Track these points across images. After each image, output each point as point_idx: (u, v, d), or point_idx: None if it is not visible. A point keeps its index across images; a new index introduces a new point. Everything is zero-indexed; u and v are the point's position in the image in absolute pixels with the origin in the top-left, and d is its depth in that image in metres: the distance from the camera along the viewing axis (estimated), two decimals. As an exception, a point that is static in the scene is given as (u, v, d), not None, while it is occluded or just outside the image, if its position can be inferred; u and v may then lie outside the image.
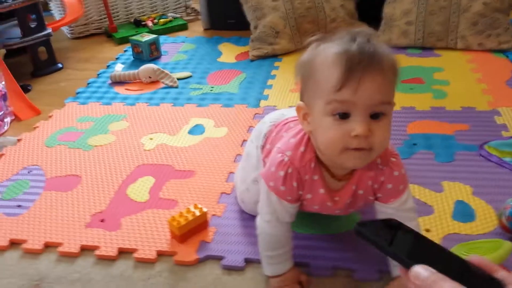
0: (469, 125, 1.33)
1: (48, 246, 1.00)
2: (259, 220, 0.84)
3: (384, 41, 1.87)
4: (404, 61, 1.73)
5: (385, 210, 0.81)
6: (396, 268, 0.84)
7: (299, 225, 0.99)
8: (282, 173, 0.77)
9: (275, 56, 1.87)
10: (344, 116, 0.67)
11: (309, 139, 0.77)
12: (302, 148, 0.77)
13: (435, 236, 0.94)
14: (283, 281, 0.85)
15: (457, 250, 0.85)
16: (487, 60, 1.74)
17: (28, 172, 1.24)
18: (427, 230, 0.96)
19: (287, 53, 1.88)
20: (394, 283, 0.83)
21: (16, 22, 1.91)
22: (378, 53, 0.67)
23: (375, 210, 0.84)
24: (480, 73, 1.65)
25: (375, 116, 0.68)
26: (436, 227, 0.96)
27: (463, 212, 1.00)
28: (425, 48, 1.85)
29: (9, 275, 0.93)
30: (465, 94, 1.51)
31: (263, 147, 0.95)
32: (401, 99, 1.45)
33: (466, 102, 1.45)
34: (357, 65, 0.65)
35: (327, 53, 0.68)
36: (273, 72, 1.75)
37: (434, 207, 1.02)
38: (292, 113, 0.97)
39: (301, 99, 0.75)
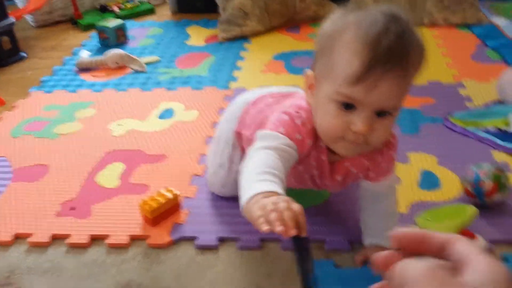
0: (434, 98, 1.36)
1: (18, 238, 0.98)
2: (251, 150, 0.70)
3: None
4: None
5: (372, 188, 0.82)
6: (367, 237, 0.86)
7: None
8: (299, 121, 0.72)
9: (244, 37, 1.86)
10: (349, 107, 0.65)
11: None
12: (306, 114, 0.73)
13: (402, 205, 0.96)
14: (273, 200, 0.58)
15: (424, 216, 0.88)
16: (452, 35, 1.77)
17: (-6, 164, 1.21)
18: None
19: (256, 34, 1.87)
20: (364, 252, 0.85)
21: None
22: (409, 52, 0.62)
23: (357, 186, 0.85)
24: (445, 48, 1.68)
25: (381, 114, 0.65)
26: (403, 196, 0.99)
27: (429, 181, 1.03)
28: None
29: (-22, 268, 0.92)
30: (430, 69, 1.51)
31: (236, 129, 0.94)
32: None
33: (432, 76, 1.48)
34: (382, 64, 0.60)
35: (354, 33, 0.62)
36: (242, 53, 1.74)
37: (401, 177, 1.05)
38: (262, 92, 0.97)
39: (312, 68, 0.71)
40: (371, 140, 0.67)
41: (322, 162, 0.77)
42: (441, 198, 0.98)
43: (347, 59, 0.62)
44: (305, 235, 0.55)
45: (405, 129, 1.22)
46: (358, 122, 0.64)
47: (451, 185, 1.01)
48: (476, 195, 0.92)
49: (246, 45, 1.81)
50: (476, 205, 0.89)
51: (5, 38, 1.83)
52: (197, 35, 1.94)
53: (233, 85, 1.52)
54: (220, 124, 1.03)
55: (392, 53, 0.60)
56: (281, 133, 0.70)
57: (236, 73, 1.60)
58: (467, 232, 0.83)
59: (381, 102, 0.63)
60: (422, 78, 1.47)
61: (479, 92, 1.38)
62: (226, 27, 1.87)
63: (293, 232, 0.54)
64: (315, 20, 1.94)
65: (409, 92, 1.34)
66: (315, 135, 0.74)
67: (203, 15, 2.12)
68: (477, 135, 1.16)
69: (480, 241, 0.83)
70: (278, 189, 0.61)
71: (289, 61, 1.65)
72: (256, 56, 1.71)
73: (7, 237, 0.97)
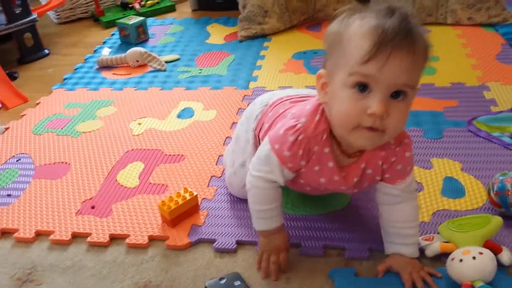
0: (458, 101, 1.33)
1: (40, 235, 0.99)
2: (249, 175, 0.83)
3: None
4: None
5: (389, 191, 0.81)
6: (388, 246, 0.85)
7: (291, 206, 0.99)
8: (292, 138, 0.75)
9: (264, 36, 1.85)
10: (364, 88, 0.66)
11: (324, 110, 0.75)
12: (317, 117, 0.75)
13: (425, 213, 0.95)
14: (270, 242, 0.85)
15: (447, 226, 0.86)
16: (476, 35, 1.73)
17: (17, 161, 1.23)
18: (417, 207, 0.97)
19: (276, 32, 1.86)
20: (386, 261, 0.83)
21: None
22: (413, 32, 0.65)
23: (375, 190, 0.84)
24: (470, 48, 1.64)
25: (395, 95, 0.66)
26: (425, 204, 0.97)
27: (452, 188, 1.01)
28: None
29: (1, 265, 0.94)
30: (454, 70, 1.50)
31: (255, 129, 0.95)
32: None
33: (455, 78, 1.45)
34: (389, 40, 0.63)
35: (360, 24, 0.66)
36: (262, 52, 1.73)
37: (424, 184, 1.03)
38: (282, 94, 0.97)
39: (323, 67, 0.73)
40: (388, 126, 0.67)
41: (329, 169, 0.78)
42: (464, 207, 0.96)
43: (356, 44, 0.65)
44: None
45: (428, 134, 1.19)
46: (373, 104, 0.65)
47: (475, 193, 0.99)
48: (501, 205, 0.89)
49: (266, 43, 1.80)
50: (501, 215, 0.87)
51: (28, 35, 1.86)
52: (217, 33, 1.93)
53: (253, 85, 1.52)
54: (239, 123, 1.03)
55: (399, 30, 0.64)
56: (274, 153, 0.78)
57: (255, 73, 1.59)
58: (492, 243, 0.81)
59: (395, 77, 0.64)
60: (445, 79, 1.47)
61: (504, 95, 1.34)
62: (246, 25, 1.86)
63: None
64: (336, 18, 1.91)
65: (432, 94, 1.31)
66: (321, 140, 0.75)
67: (223, 13, 2.12)
68: (503, 141, 1.13)
69: (506, 252, 0.81)
70: (271, 225, 0.84)
71: (308, 61, 1.64)
72: (276, 55, 1.69)
73: (29, 234, 0.99)
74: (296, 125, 0.75)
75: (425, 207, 0.96)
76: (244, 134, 1.00)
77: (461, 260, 0.77)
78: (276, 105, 0.92)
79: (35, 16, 1.85)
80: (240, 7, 1.91)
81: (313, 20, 1.93)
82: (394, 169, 0.78)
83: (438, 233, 0.87)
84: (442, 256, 0.84)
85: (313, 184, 0.83)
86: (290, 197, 1.00)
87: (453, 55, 1.60)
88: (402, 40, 0.63)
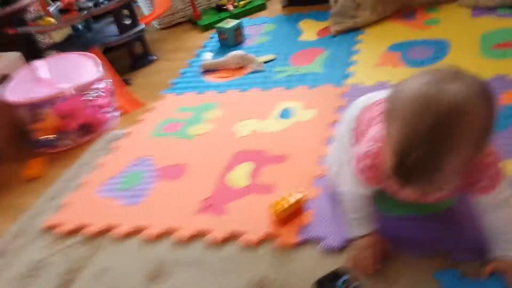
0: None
1: (164, 233, 1.12)
2: (341, 187, 0.93)
3: (470, 3, 1.76)
4: (494, 24, 1.63)
5: (480, 200, 0.82)
6: (494, 248, 0.85)
7: (394, 207, 1.02)
8: (367, 161, 0.82)
9: (357, 29, 1.85)
10: None
11: None
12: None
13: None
14: (362, 246, 0.91)
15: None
16: None
17: (140, 163, 1.40)
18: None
19: (369, 25, 1.84)
20: (493, 263, 0.84)
21: (110, 19, 2.08)
22: (439, 165, 0.64)
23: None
24: None
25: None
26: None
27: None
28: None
29: (132, 260, 1.08)
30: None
31: (354, 130, 0.98)
32: (494, 66, 1.37)
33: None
34: (404, 179, 0.66)
35: (398, 128, 0.66)
36: (356, 46, 1.74)
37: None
38: (381, 95, 0.99)
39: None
40: (432, 199, 0.71)
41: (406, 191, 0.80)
42: None
43: (390, 150, 0.68)
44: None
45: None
46: (410, 196, 0.72)
47: None
48: None
49: (359, 37, 1.80)
50: None
51: (137, 43, 2.06)
52: (309, 30, 1.97)
53: (349, 81, 1.54)
54: (341, 122, 1.08)
55: (417, 170, 0.64)
56: (355, 170, 0.85)
57: (351, 68, 1.61)
58: None
59: (416, 194, 0.70)
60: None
61: None
62: (338, 19, 1.88)
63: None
64: (431, 4, 1.85)
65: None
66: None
67: (312, 7, 2.14)
68: None
69: None
70: (362, 231, 0.92)
71: (405, 52, 1.61)
72: (370, 49, 1.69)
73: (155, 232, 1.12)
74: (371, 149, 0.81)
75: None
76: (345, 134, 1.04)
77: None
78: (373, 107, 0.94)
79: (143, 26, 2.04)
80: (331, 1, 1.92)
81: (407, 9, 1.88)
82: (479, 185, 0.79)
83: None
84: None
85: (401, 196, 0.85)
86: (394, 199, 1.03)
87: None
88: (418, 178, 0.65)
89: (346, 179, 0.90)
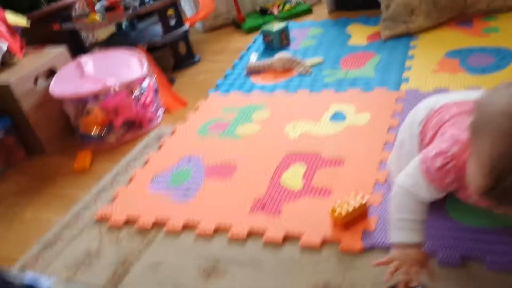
0: None
1: (218, 230, 1.08)
2: (395, 185, 0.84)
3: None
4: None
5: None
6: None
7: (469, 217, 0.95)
8: (438, 164, 0.77)
9: (409, 34, 1.79)
10: None
11: None
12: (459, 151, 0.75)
13: None
14: (405, 255, 0.79)
15: None
16: None
17: (188, 161, 1.36)
18: None
19: (423, 31, 1.78)
20: None
21: (154, 19, 2.08)
22: None
23: None
24: None
25: None
26: None
27: None
28: None
29: (187, 256, 1.04)
30: None
31: (419, 135, 0.93)
32: None
33: None
34: (497, 200, 0.64)
35: (490, 147, 0.63)
36: (410, 52, 1.68)
37: None
38: (447, 99, 0.94)
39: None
40: None
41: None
42: None
43: (480, 167, 0.65)
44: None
45: None
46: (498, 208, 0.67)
47: None
48: None
49: (412, 42, 1.74)
50: None
51: (182, 43, 2.04)
52: (358, 34, 1.92)
53: (405, 86, 1.48)
54: (402, 128, 1.02)
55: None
56: (421, 171, 0.80)
57: (406, 74, 1.55)
58: None
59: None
60: None
61: None
62: (390, 24, 1.82)
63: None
64: (489, 13, 1.78)
65: None
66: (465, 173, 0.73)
67: (360, 12, 2.10)
68: None
69: None
70: (408, 238, 0.81)
71: (465, 59, 1.54)
72: (426, 54, 1.63)
73: (209, 229, 1.08)
74: (447, 152, 0.76)
75: None
76: (408, 139, 0.98)
77: None
78: (442, 111, 0.90)
79: (187, 27, 2.02)
80: (382, 6, 1.87)
81: (463, 17, 1.81)
82: None
83: None
84: None
85: (478, 204, 0.80)
86: (472, 207, 0.96)
87: None
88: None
89: (409, 179, 0.82)
